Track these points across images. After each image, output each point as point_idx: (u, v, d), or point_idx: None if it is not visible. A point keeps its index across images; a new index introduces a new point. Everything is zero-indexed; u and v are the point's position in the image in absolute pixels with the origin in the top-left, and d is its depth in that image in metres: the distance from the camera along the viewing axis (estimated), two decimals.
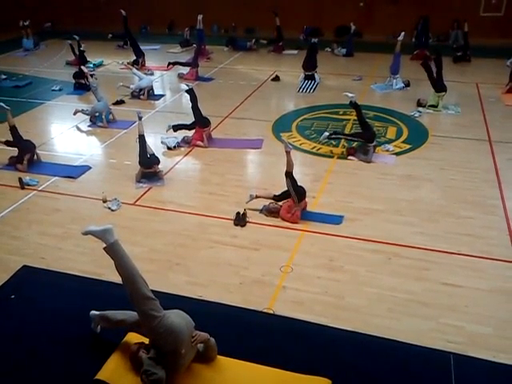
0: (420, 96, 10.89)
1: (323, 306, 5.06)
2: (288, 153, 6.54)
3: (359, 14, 16.86)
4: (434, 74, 10.57)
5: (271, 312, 4.99)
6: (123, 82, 11.88)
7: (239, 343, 4.54)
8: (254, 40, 16.48)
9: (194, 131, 9.11)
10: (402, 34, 12.12)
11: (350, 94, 8.65)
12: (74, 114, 10.30)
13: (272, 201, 6.80)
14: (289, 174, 6.58)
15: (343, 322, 4.82)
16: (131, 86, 11.74)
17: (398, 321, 4.84)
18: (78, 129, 10.09)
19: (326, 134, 8.73)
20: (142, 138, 7.80)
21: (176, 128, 9.26)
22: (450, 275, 5.48)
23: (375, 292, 5.25)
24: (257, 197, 6.85)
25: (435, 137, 9.26)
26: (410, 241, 6.10)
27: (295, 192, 6.56)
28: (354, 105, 8.60)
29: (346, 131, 9.51)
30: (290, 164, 6.56)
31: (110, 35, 16.35)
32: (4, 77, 13.45)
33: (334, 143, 9.00)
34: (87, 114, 10.26)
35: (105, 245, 3.85)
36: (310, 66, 12.38)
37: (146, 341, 4.18)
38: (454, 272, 5.54)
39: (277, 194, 6.78)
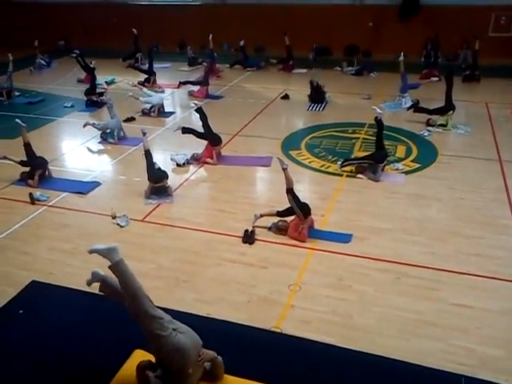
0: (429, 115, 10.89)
1: (331, 326, 5.02)
2: (285, 170, 6.56)
3: (368, 33, 17.00)
4: (442, 93, 10.62)
5: (279, 331, 4.95)
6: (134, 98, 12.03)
7: (246, 362, 4.50)
8: (263, 61, 16.65)
9: (204, 148, 9.16)
10: (402, 54, 12.23)
11: (379, 110, 8.62)
12: (84, 126, 10.43)
13: (281, 218, 6.80)
14: (290, 191, 6.59)
15: (351, 341, 4.77)
16: (141, 99, 11.88)
17: (407, 341, 4.78)
18: (89, 146, 10.19)
19: (339, 163, 8.69)
20: (148, 153, 7.87)
21: (185, 131, 9.34)
22: (460, 295, 5.41)
23: (383, 312, 5.20)
24: (261, 216, 6.85)
25: (445, 156, 9.24)
26: (419, 260, 6.05)
27: (299, 208, 6.56)
28: (378, 121, 8.56)
29: (356, 149, 9.52)
30: (289, 181, 6.58)
31: (125, 63, 16.55)
32: (17, 93, 13.67)
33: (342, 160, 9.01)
34: (98, 129, 10.35)
35: (110, 263, 3.86)
36: (316, 98, 12.38)
37: (153, 359, 4.15)
38: (464, 292, 5.48)
39: (280, 209, 6.78)
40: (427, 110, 10.82)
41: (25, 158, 8.41)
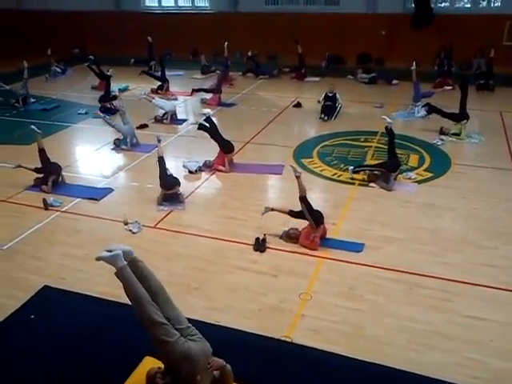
0: (442, 124, 10.82)
1: (341, 336, 4.98)
2: (298, 177, 6.56)
3: (381, 41, 16.99)
4: (456, 101, 10.57)
5: (289, 340, 4.93)
6: (147, 106, 12.12)
7: (256, 371, 4.48)
8: (276, 69, 16.70)
9: (216, 155, 9.19)
10: (414, 63, 12.19)
11: (388, 120, 8.64)
12: (96, 113, 10.74)
13: (292, 227, 6.78)
14: (303, 199, 6.57)
15: (362, 352, 4.73)
16: (153, 101, 11.96)
17: (420, 353, 4.73)
18: (102, 152, 10.28)
19: (351, 168, 8.67)
20: (161, 160, 7.92)
21: (201, 127, 9.42)
22: (473, 307, 5.35)
23: (395, 322, 5.15)
24: (272, 209, 6.87)
25: (458, 165, 9.17)
26: (432, 271, 5.99)
27: (311, 216, 6.54)
28: (389, 131, 8.56)
29: (368, 158, 9.49)
30: (302, 188, 6.57)
31: (133, 60, 16.74)
32: (33, 100, 13.84)
33: None
34: (109, 123, 10.32)
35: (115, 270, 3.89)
36: (328, 112, 12.28)
37: (163, 366, 4.15)
38: (477, 304, 5.41)
39: (294, 210, 6.75)
40: (441, 112, 10.77)
41: (39, 165, 8.51)
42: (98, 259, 3.86)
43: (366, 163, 9.18)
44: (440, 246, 6.54)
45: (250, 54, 16.41)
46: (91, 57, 15.20)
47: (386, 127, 8.57)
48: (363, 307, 5.40)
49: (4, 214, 7.69)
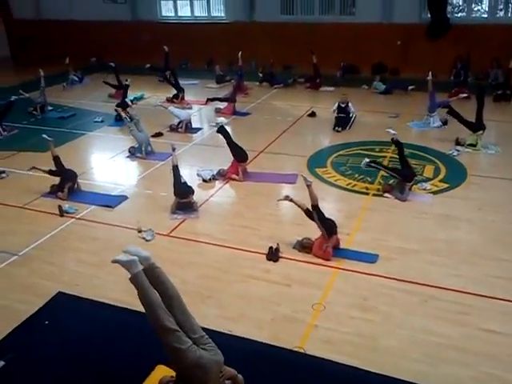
0: (458, 134, 10.72)
1: (355, 347, 4.92)
2: (309, 186, 6.53)
3: (396, 51, 16.94)
4: (472, 112, 10.48)
5: (302, 351, 4.89)
6: (162, 115, 12.22)
7: (268, 381, 4.45)
8: (291, 79, 16.75)
9: (230, 164, 9.21)
10: (430, 73, 12.13)
11: (392, 131, 8.63)
12: (117, 110, 11.17)
13: (305, 236, 6.75)
14: (315, 208, 6.54)
15: (375, 364, 4.67)
16: (169, 108, 12.08)
17: (435, 367, 4.65)
18: (117, 160, 10.37)
19: (367, 160, 8.61)
20: (175, 169, 7.97)
21: (220, 130, 9.43)
22: (490, 321, 5.25)
23: (409, 335, 5.08)
24: (291, 200, 6.83)
25: (474, 176, 9.06)
26: (447, 283, 5.91)
27: (323, 226, 6.51)
28: (396, 142, 8.53)
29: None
30: (313, 197, 6.55)
31: (148, 65, 16.91)
32: (50, 108, 14.04)
33: (369, 180, 8.94)
34: (129, 128, 10.32)
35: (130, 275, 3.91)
36: (342, 123, 12.24)
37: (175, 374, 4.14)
38: (494, 318, 5.31)
39: (311, 210, 6.66)
40: (460, 117, 10.64)
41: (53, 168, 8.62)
42: (114, 262, 3.90)
43: (380, 174, 9.11)
44: (455, 258, 6.45)
45: (260, 74, 16.77)
46: (112, 64, 15.40)
47: (392, 139, 8.60)
48: (377, 319, 5.34)
49: (20, 221, 7.79)
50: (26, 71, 18.09)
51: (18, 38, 21.71)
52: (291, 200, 6.87)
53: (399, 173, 8.40)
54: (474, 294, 5.70)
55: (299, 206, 6.80)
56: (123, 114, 10.67)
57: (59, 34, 20.66)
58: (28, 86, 14.27)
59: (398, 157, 8.67)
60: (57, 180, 8.57)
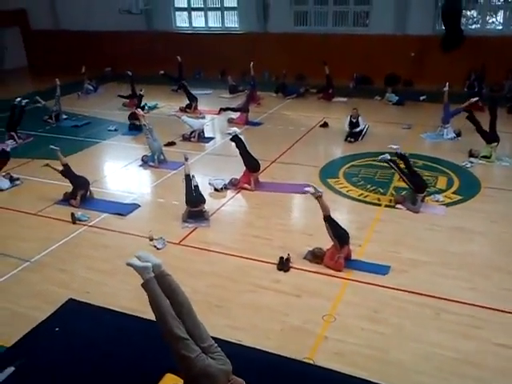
0: (472, 146, 10.63)
1: (366, 360, 4.87)
2: (319, 197, 6.50)
3: (410, 63, 16.91)
4: (486, 124, 10.39)
5: (311, 362, 4.84)
6: (175, 124, 12.31)
7: None
8: (303, 88, 16.77)
9: (242, 174, 9.22)
10: (447, 84, 12.07)
11: (395, 146, 8.66)
12: (137, 112, 11.15)
13: (316, 246, 6.72)
14: (327, 218, 6.52)
15: (386, 377, 4.61)
16: (182, 117, 12.16)
17: (447, 381, 4.58)
18: (130, 168, 10.44)
19: (388, 156, 8.53)
20: (187, 178, 8.00)
21: (234, 139, 9.45)
22: (504, 335, 5.17)
23: (421, 348, 5.02)
24: (318, 197, 6.54)
25: (488, 189, 8.97)
26: (460, 296, 5.84)
27: (335, 237, 6.49)
28: (400, 156, 8.52)
29: (395, 179, 9.36)
30: (325, 208, 6.53)
31: (162, 72, 17.04)
32: (65, 117, 14.22)
33: (381, 191, 8.89)
34: (146, 131, 10.39)
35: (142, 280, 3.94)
36: (354, 136, 12.21)
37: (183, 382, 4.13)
38: (508, 332, 5.23)
39: (328, 215, 6.53)
40: (478, 125, 10.55)
41: (67, 179, 8.69)
42: (129, 265, 3.95)
43: (393, 185, 9.07)
44: (468, 271, 6.37)
45: (275, 93, 16.75)
46: (129, 72, 15.58)
47: (397, 153, 8.59)
48: (388, 331, 5.29)
49: (33, 227, 7.86)
50: (42, 80, 18.36)
51: (36, 47, 22.13)
52: (319, 197, 6.56)
53: (411, 181, 8.35)
54: (488, 308, 5.62)
55: (322, 208, 6.57)
56: (143, 121, 10.68)
57: (76, 44, 20.99)
58: (44, 95, 14.47)
59: (407, 170, 8.61)
60: (70, 187, 8.65)
